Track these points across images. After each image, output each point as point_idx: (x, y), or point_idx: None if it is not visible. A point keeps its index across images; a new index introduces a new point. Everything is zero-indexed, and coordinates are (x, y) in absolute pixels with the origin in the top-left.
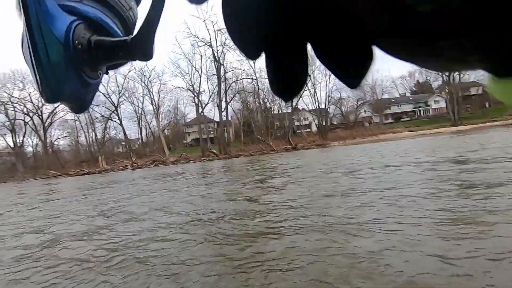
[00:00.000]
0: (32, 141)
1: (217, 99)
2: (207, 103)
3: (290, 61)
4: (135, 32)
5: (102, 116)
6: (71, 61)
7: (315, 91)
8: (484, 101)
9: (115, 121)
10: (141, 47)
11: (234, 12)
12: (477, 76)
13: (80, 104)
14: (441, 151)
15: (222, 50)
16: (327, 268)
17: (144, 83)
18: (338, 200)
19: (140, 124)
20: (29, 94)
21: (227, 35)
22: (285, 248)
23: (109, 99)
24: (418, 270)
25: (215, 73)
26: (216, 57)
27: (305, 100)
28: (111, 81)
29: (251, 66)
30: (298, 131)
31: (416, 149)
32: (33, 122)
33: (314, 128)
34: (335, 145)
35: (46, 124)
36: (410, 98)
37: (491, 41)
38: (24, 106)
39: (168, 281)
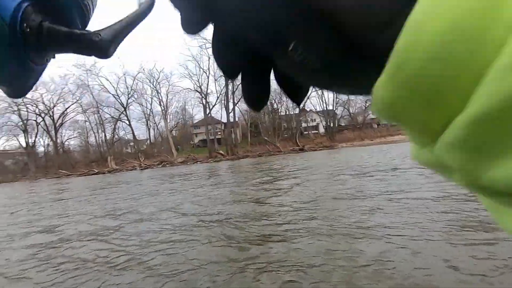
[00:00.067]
0: (44, 141)
1: (224, 100)
2: (215, 104)
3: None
4: (96, 25)
5: (112, 117)
6: (16, 44)
7: (322, 93)
8: None
9: (124, 122)
10: (102, 45)
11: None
12: None
13: (17, 90)
14: None
15: None
16: (333, 270)
17: (153, 84)
18: (346, 203)
19: (149, 125)
20: (41, 95)
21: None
22: (289, 250)
23: (119, 100)
24: (426, 273)
25: (223, 75)
26: None
27: (312, 102)
28: (120, 83)
29: None
30: (305, 133)
31: None
32: (45, 122)
33: (321, 130)
34: (342, 146)
35: (57, 125)
36: None
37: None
38: (36, 107)
39: (173, 282)
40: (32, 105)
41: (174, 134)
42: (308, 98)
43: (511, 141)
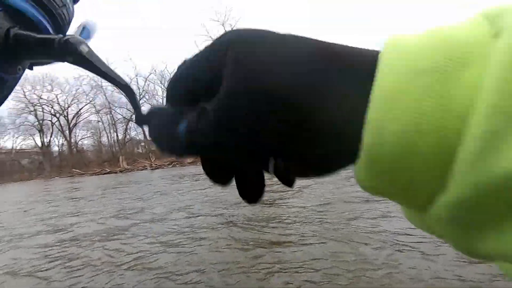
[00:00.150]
0: (58, 141)
1: None
2: None
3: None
4: (70, 32)
5: (124, 117)
6: None
7: None
8: None
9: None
10: (72, 46)
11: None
12: None
13: None
14: None
15: None
16: (342, 274)
17: (164, 85)
18: (356, 206)
19: None
20: (56, 96)
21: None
22: (298, 253)
23: None
24: (437, 276)
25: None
26: None
27: None
28: (132, 84)
29: None
30: None
31: None
32: (60, 122)
33: None
34: None
35: (71, 125)
36: None
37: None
38: (52, 107)
39: (181, 282)
40: (47, 106)
41: None
42: None
43: (498, 218)
